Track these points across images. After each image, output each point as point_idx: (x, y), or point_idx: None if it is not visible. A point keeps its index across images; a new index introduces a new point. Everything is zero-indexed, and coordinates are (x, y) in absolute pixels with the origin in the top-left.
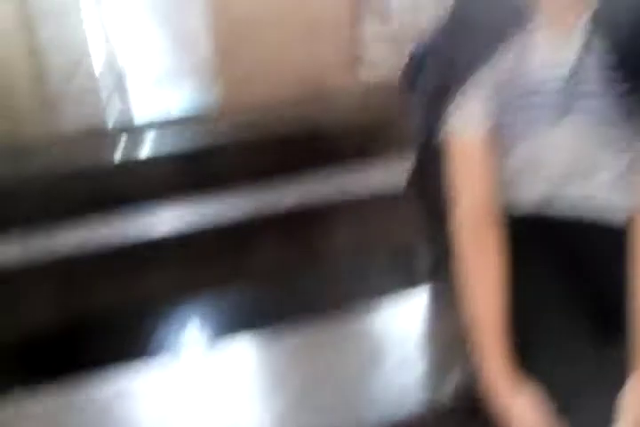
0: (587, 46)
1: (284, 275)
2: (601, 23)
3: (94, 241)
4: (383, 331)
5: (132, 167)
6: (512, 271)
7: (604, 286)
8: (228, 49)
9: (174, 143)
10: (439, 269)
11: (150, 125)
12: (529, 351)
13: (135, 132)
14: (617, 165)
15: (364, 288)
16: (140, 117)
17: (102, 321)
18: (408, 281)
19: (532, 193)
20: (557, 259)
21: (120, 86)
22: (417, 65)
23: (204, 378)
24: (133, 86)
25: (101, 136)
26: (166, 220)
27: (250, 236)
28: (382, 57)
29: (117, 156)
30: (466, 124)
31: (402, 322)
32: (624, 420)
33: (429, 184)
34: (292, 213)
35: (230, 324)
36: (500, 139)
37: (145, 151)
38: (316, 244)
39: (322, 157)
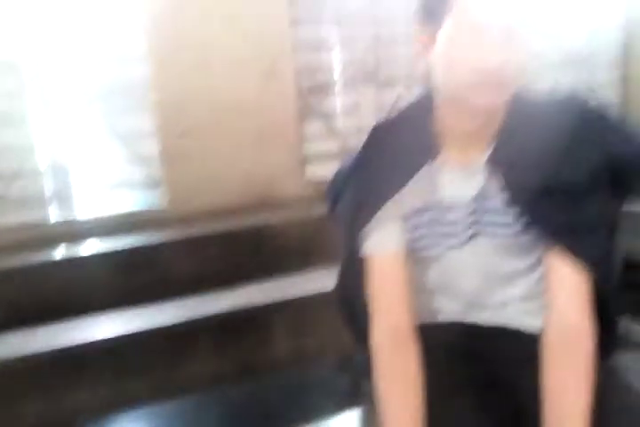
0: (486, 183)
1: (220, 387)
2: (496, 163)
3: (20, 351)
4: None
5: (64, 274)
6: (429, 380)
7: (521, 392)
8: (175, 153)
9: (114, 248)
10: (364, 387)
11: (92, 230)
12: None
13: (76, 236)
14: (528, 278)
15: (300, 404)
16: (82, 220)
17: None
18: (345, 395)
19: (448, 306)
20: (475, 366)
21: (64, 188)
22: (339, 185)
23: None
24: (77, 188)
25: (41, 239)
26: (98, 328)
27: (185, 345)
28: (328, 157)
29: (53, 259)
30: (381, 245)
31: None
32: None
33: (351, 299)
34: (230, 320)
35: None
36: (415, 259)
37: (82, 253)
38: (253, 355)
39: (267, 263)
